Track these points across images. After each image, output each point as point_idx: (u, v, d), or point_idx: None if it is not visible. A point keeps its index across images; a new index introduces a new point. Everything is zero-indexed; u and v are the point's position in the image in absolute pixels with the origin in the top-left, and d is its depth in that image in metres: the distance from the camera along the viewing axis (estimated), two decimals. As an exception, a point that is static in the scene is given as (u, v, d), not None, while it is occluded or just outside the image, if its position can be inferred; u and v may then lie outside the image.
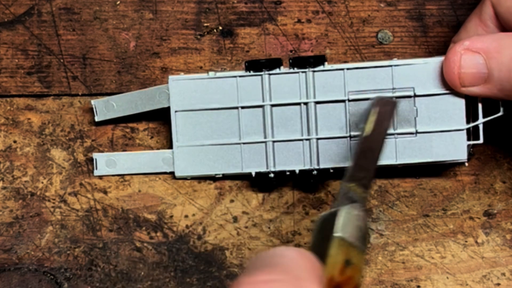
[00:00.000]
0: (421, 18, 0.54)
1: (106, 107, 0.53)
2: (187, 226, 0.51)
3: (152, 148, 0.53)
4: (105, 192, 0.52)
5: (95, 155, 0.52)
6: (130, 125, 0.54)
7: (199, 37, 0.54)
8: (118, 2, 0.55)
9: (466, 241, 0.50)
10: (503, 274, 0.49)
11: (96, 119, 0.53)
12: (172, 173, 0.52)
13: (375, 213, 0.51)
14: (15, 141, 0.54)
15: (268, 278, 0.33)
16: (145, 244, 0.51)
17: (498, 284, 0.49)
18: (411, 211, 0.51)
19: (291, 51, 0.54)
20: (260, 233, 0.51)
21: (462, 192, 0.52)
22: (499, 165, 0.52)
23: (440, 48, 0.53)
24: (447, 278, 0.49)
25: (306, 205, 0.52)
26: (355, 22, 0.54)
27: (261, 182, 0.51)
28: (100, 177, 0.53)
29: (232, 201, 0.52)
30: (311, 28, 0.54)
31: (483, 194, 0.51)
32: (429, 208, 0.51)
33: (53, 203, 0.52)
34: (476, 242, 0.50)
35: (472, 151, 0.51)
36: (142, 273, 0.50)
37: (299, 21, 0.54)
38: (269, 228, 0.51)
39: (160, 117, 0.53)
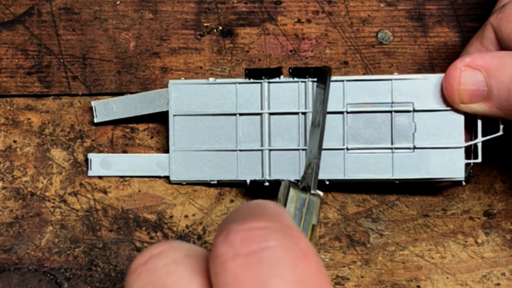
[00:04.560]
0: (421, 18, 0.54)
1: (105, 109, 0.53)
2: (187, 226, 0.51)
3: (152, 148, 0.53)
4: (105, 192, 0.52)
5: (90, 156, 0.52)
6: (130, 125, 0.54)
7: (199, 37, 0.54)
8: (118, 2, 0.55)
9: (466, 241, 0.50)
10: (503, 274, 0.49)
11: (95, 120, 0.53)
12: (166, 177, 0.52)
13: (375, 213, 0.51)
14: (15, 141, 0.54)
15: (260, 225, 0.33)
16: (145, 244, 0.51)
17: (498, 284, 0.49)
18: (411, 211, 0.51)
19: (291, 51, 0.54)
20: (260, 233, 0.51)
21: (462, 192, 0.52)
22: (499, 165, 0.52)
23: (440, 48, 0.53)
24: (447, 278, 0.49)
25: (306, 205, 0.52)
26: (355, 22, 0.54)
27: (255, 191, 0.51)
28: (100, 177, 0.53)
29: (232, 201, 0.52)
30: (311, 28, 0.54)
31: (483, 194, 0.51)
32: (429, 208, 0.51)
33: (53, 203, 0.52)
34: (476, 242, 0.50)
35: (472, 172, 0.51)
36: (142, 273, 0.50)
37: (299, 21, 0.54)
38: (269, 228, 0.51)
39: (160, 119, 0.53)
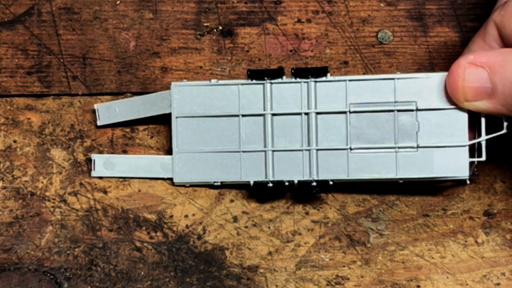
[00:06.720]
0: (421, 18, 0.54)
1: (108, 112, 0.53)
2: (187, 226, 0.51)
3: (152, 148, 0.53)
4: (105, 192, 0.52)
5: (94, 156, 0.52)
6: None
7: (199, 37, 0.54)
8: (118, 2, 0.55)
9: (466, 241, 0.50)
10: (503, 274, 0.49)
11: (98, 123, 0.53)
12: (169, 179, 0.52)
13: (375, 213, 0.51)
14: (15, 141, 0.54)
15: None
16: (145, 244, 0.51)
17: (498, 284, 0.49)
18: (411, 211, 0.51)
19: (291, 51, 0.54)
20: (260, 233, 0.51)
21: (462, 192, 0.52)
22: (499, 165, 0.52)
23: (440, 48, 0.53)
24: (447, 278, 0.49)
25: (306, 205, 0.52)
26: (355, 22, 0.54)
27: (259, 192, 0.51)
28: (100, 177, 0.53)
29: (232, 201, 0.52)
30: (311, 28, 0.54)
31: (483, 194, 0.51)
32: (429, 208, 0.51)
33: (53, 203, 0.52)
34: (476, 242, 0.50)
35: (476, 170, 0.50)
36: (142, 273, 0.50)
37: (299, 21, 0.54)
38: (269, 228, 0.51)
39: (161, 120, 0.53)
